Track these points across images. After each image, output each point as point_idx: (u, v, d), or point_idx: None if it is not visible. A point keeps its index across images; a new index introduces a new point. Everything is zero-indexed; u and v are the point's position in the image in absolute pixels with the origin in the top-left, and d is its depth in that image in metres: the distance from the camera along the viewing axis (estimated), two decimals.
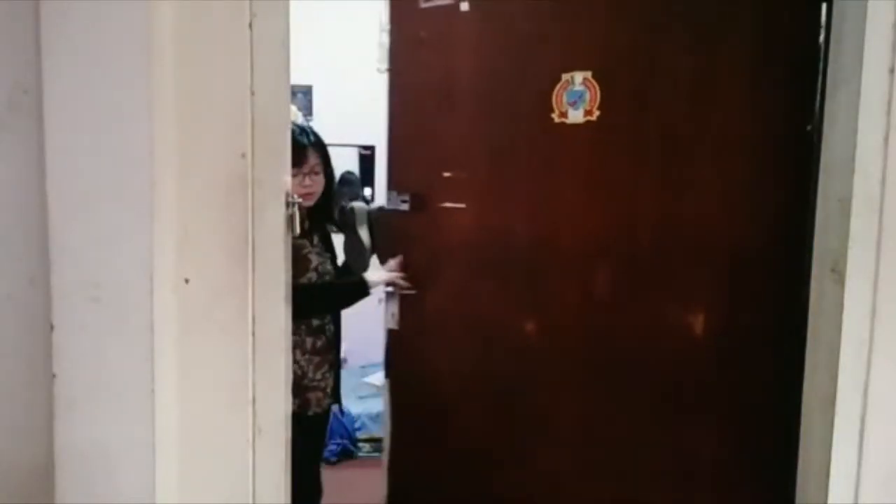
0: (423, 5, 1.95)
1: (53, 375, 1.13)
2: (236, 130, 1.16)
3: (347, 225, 2.13)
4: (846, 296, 1.28)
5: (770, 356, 1.71)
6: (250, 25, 1.15)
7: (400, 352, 2.11)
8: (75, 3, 1.08)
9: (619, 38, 1.78)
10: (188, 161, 1.15)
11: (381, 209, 2.12)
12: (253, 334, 1.19)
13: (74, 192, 1.11)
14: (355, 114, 4.23)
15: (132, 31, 1.09)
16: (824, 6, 1.53)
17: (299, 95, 4.17)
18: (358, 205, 2.16)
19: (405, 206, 2.02)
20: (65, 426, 1.14)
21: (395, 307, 2.07)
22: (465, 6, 1.89)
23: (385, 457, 2.17)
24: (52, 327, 1.12)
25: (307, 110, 4.26)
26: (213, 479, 1.20)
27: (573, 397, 1.90)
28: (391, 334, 2.10)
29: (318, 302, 1.93)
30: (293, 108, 4.08)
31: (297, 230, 1.22)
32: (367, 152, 4.32)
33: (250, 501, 1.20)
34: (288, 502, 1.26)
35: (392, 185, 2.06)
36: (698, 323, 1.78)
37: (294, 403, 1.32)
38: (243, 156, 1.16)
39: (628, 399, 1.84)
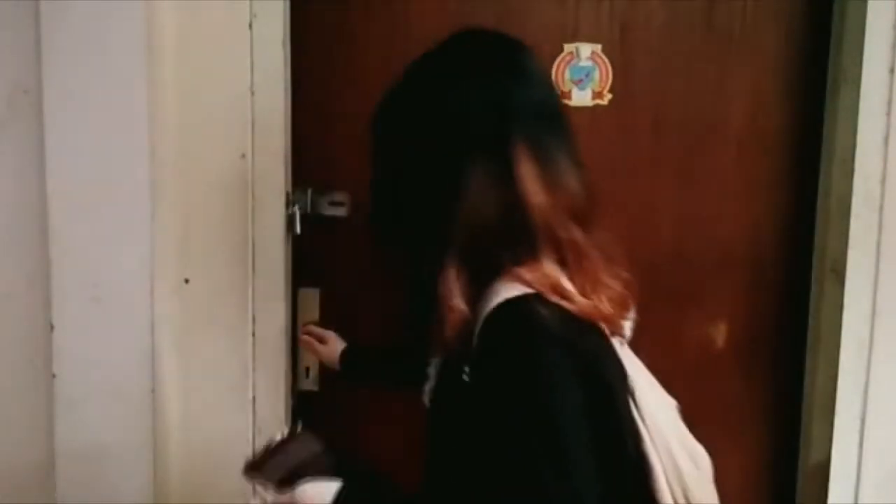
0: None
1: (53, 375, 1.13)
2: (236, 130, 1.16)
3: None
4: (846, 296, 1.28)
5: (769, 355, 1.71)
6: (250, 25, 1.15)
7: None
8: (75, 3, 1.08)
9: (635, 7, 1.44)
10: (188, 161, 1.15)
11: None
12: (253, 334, 1.19)
13: (74, 192, 1.11)
14: None
15: (132, 31, 1.09)
16: (825, 6, 1.53)
17: None
18: None
19: None
20: (65, 426, 1.14)
21: None
22: None
23: None
24: (52, 327, 1.12)
25: None
26: (212, 480, 1.20)
27: None
28: None
29: None
30: None
31: (297, 230, 1.22)
32: None
33: (250, 502, 1.20)
34: None
35: None
36: (700, 319, 1.79)
37: None
38: (243, 156, 1.16)
39: None
